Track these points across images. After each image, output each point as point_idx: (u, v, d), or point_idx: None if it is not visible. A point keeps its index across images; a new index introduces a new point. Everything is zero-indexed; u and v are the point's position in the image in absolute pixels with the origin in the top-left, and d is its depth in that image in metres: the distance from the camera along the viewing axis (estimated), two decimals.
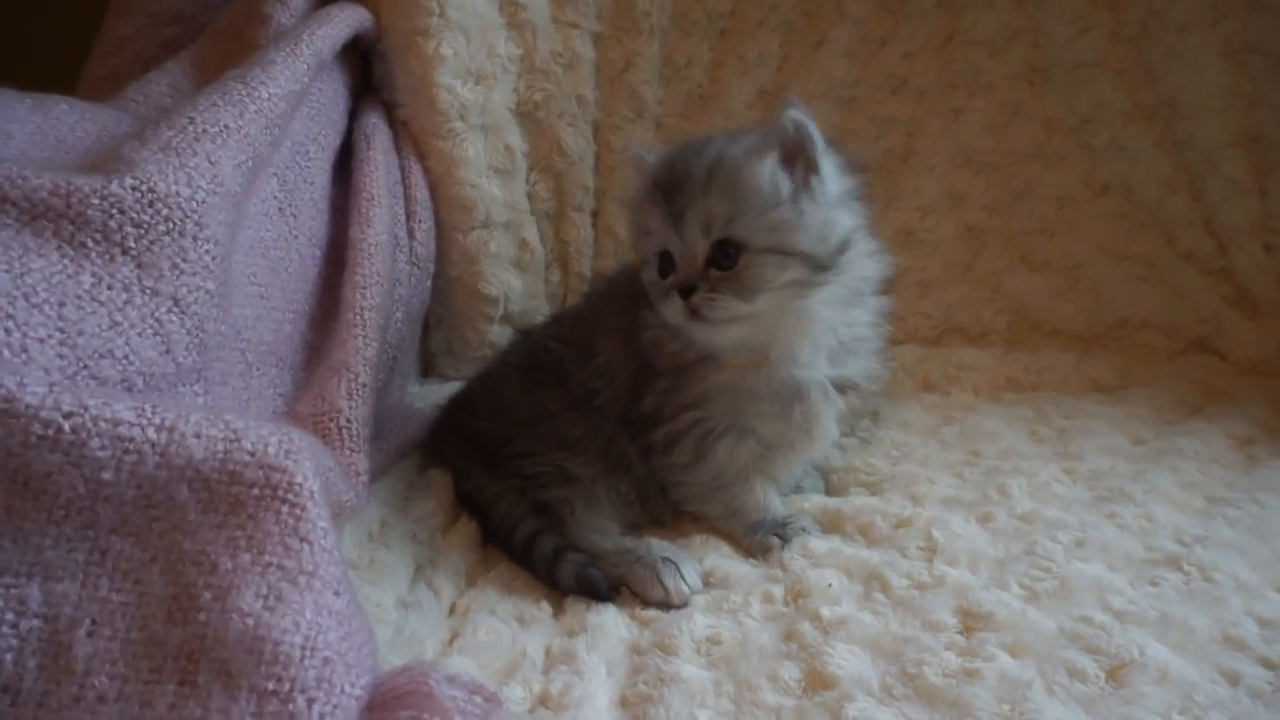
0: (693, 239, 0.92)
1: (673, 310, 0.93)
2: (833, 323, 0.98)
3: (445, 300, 1.38)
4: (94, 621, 0.63)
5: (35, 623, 0.60)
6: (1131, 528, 0.93)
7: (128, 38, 1.43)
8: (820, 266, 0.92)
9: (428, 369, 1.44)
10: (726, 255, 0.91)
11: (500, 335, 1.39)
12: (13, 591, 0.60)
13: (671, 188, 0.93)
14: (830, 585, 0.87)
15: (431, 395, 1.32)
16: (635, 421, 1.03)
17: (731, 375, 0.98)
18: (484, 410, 1.10)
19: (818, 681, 0.74)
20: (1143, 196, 1.43)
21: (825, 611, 0.82)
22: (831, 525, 1.02)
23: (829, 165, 0.94)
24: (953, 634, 0.78)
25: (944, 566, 0.88)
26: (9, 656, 0.58)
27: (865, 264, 0.98)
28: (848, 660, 0.76)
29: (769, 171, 0.91)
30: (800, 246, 0.91)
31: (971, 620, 0.79)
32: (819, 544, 0.96)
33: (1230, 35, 1.35)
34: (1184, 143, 1.40)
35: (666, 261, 0.95)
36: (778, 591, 0.88)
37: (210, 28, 1.28)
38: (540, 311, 1.43)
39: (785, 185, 0.92)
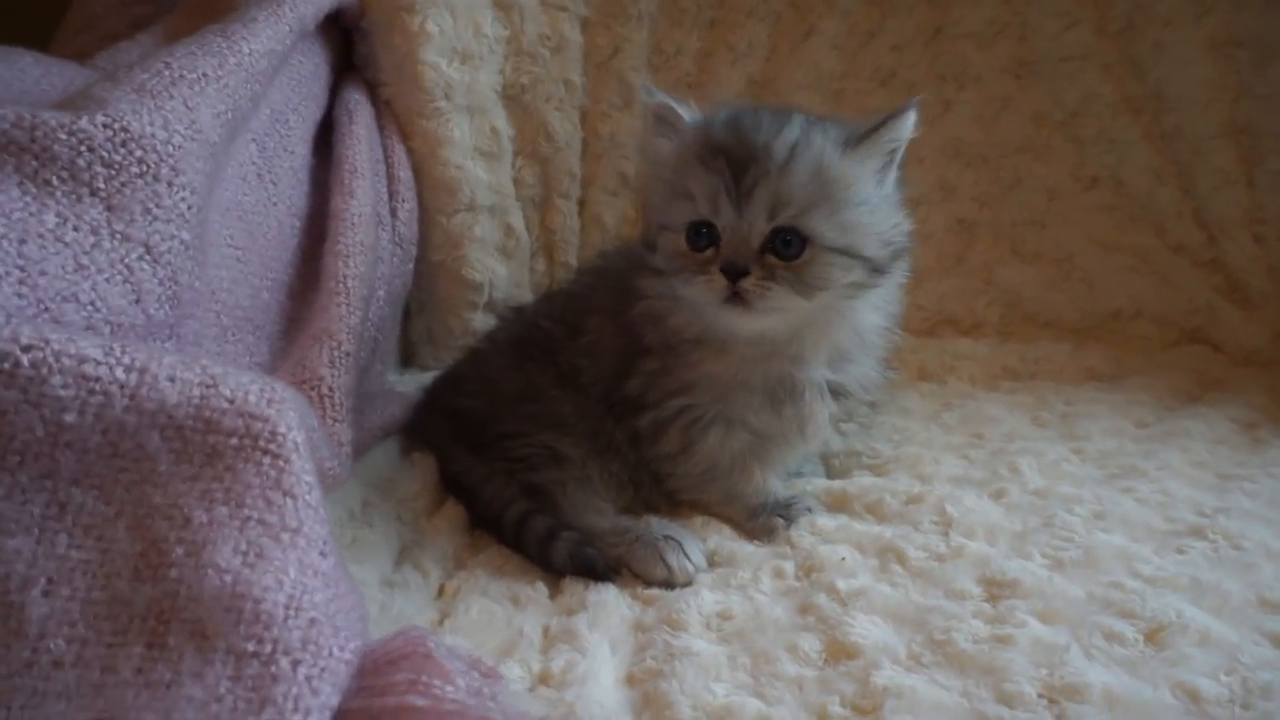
0: (754, 218, 0.83)
1: (709, 289, 0.84)
2: (859, 328, 0.93)
3: (427, 286, 1.33)
4: (50, 580, 0.56)
5: None
6: (1149, 501, 0.90)
7: (98, 16, 1.38)
8: (878, 270, 0.87)
9: (408, 358, 1.38)
10: (788, 244, 0.83)
11: (483, 323, 1.34)
12: None
13: (742, 157, 0.83)
14: (844, 559, 0.83)
15: (411, 384, 1.26)
16: (619, 404, 0.98)
17: (728, 364, 0.92)
18: (471, 387, 1.05)
19: (840, 651, 0.70)
20: (1132, 189, 1.43)
21: (841, 584, 0.78)
22: (837, 506, 0.98)
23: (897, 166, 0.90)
24: (979, 602, 0.74)
25: (961, 539, 0.84)
26: None
27: (901, 269, 0.93)
28: (870, 630, 0.71)
29: (859, 169, 0.85)
30: (868, 250, 0.86)
31: (996, 588, 0.76)
32: (827, 521, 0.92)
33: (1215, 28, 1.36)
34: (1172, 135, 1.41)
35: (704, 234, 0.86)
36: (788, 567, 0.84)
37: (185, 1, 1.23)
38: (524, 300, 1.38)
39: (870, 186, 0.86)
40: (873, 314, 0.94)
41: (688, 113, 0.92)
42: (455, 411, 1.04)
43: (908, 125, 0.86)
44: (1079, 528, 0.84)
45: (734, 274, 0.83)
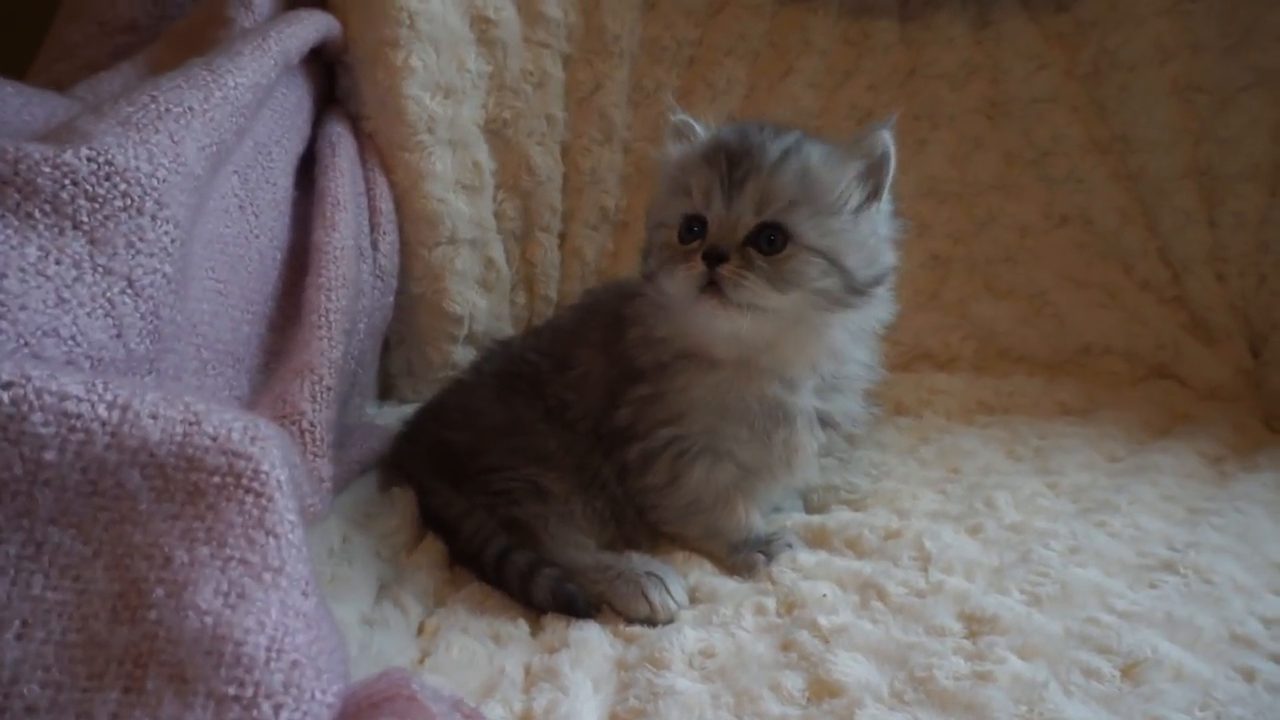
0: (741, 209, 0.86)
1: (687, 277, 0.86)
2: (835, 350, 0.95)
3: (408, 318, 1.33)
4: (24, 623, 0.55)
5: None
6: (1122, 535, 0.91)
7: (77, 44, 1.37)
8: (854, 290, 0.89)
9: (387, 391, 1.37)
10: (770, 240, 0.86)
11: (463, 356, 1.34)
12: None
13: (739, 154, 0.87)
14: (825, 595, 0.83)
15: (390, 416, 1.26)
16: (609, 437, 0.98)
17: (717, 385, 0.93)
18: (455, 418, 1.04)
19: (823, 690, 0.70)
20: (1101, 227, 1.47)
21: (823, 620, 0.78)
22: (817, 541, 0.98)
23: (888, 200, 0.93)
24: (959, 638, 0.75)
25: (940, 574, 0.85)
26: None
27: (883, 305, 0.96)
28: (852, 667, 0.72)
29: (845, 177, 0.89)
30: (847, 261, 0.88)
31: (976, 624, 0.76)
32: (807, 557, 0.93)
33: (1176, 74, 1.41)
34: (1137, 175, 1.45)
35: (694, 227, 0.89)
36: (770, 604, 0.84)
37: (169, 31, 1.24)
38: (504, 333, 1.39)
39: (855, 198, 0.89)
40: (852, 342, 0.96)
41: (703, 128, 0.97)
42: (438, 443, 1.04)
43: (883, 139, 0.90)
44: (1055, 563, 0.85)
45: (714, 259, 0.85)
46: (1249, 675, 0.68)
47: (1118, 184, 1.45)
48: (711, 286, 0.85)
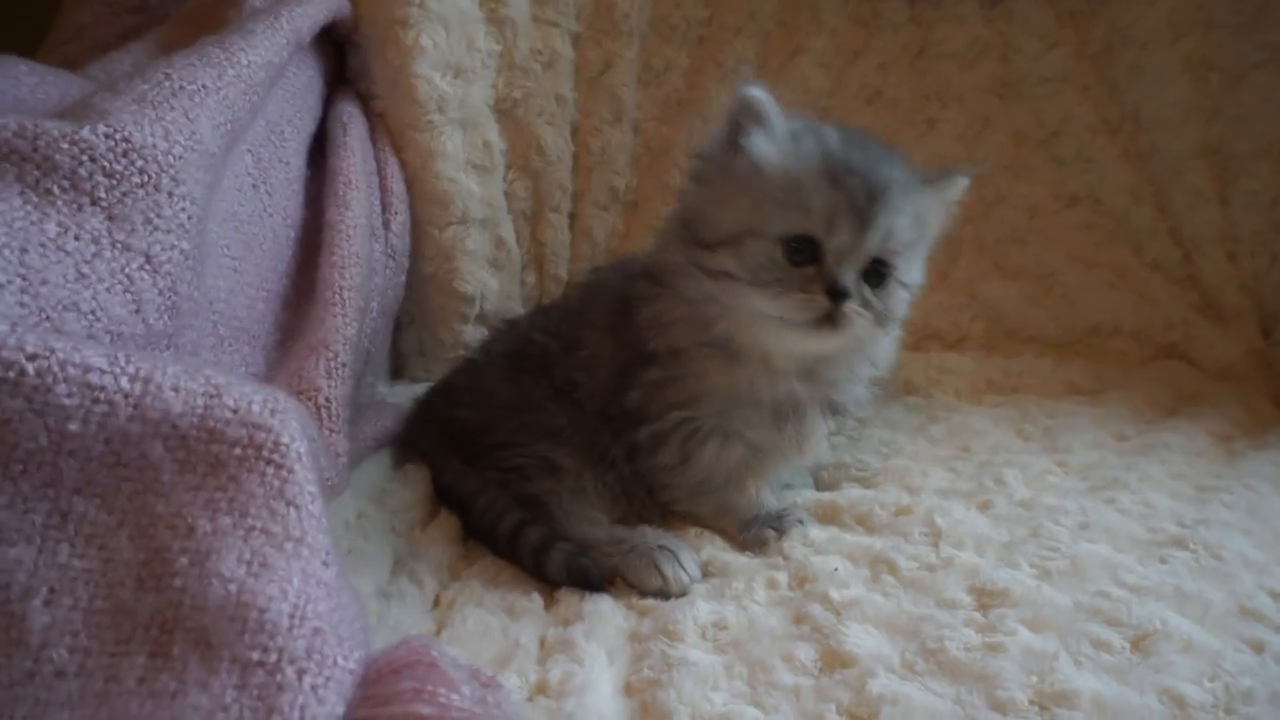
0: (868, 244, 0.83)
1: (806, 306, 0.82)
2: (877, 359, 0.97)
3: (419, 298, 1.33)
4: (52, 590, 0.56)
5: None
6: (1131, 512, 0.92)
7: (86, 26, 1.37)
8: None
9: (398, 370, 1.38)
10: (878, 273, 0.85)
11: (474, 335, 1.35)
12: None
13: (872, 185, 0.83)
14: (836, 569, 0.84)
15: (402, 395, 1.26)
16: (617, 418, 0.99)
17: (737, 378, 0.92)
18: (465, 397, 1.05)
19: (835, 660, 0.71)
20: (1110, 207, 1.46)
21: (834, 594, 0.79)
22: (827, 517, 0.99)
23: None
24: (970, 611, 0.76)
25: (950, 549, 0.85)
26: None
27: None
28: (864, 639, 0.72)
29: (940, 217, 0.92)
30: (918, 283, 0.91)
31: (987, 597, 0.77)
32: (818, 533, 0.93)
33: (1189, 52, 1.40)
34: (1148, 155, 1.44)
35: (805, 250, 0.83)
36: (781, 577, 0.85)
37: (179, 11, 1.24)
38: (515, 313, 1.39)
39: (936, 229, 0.92)
40: (890, 347, 0.99)
41: (781, 118, 0.89)
42: (449, 422, 1.04)
43: (965, 184, 0.93)
44: (1065, 538, 0.86)
45: (839, 296, 0.82)
46: (1258, 647, 0.69)
47: (1128, 163, 1.45)
48: (827, 319, 0.82)
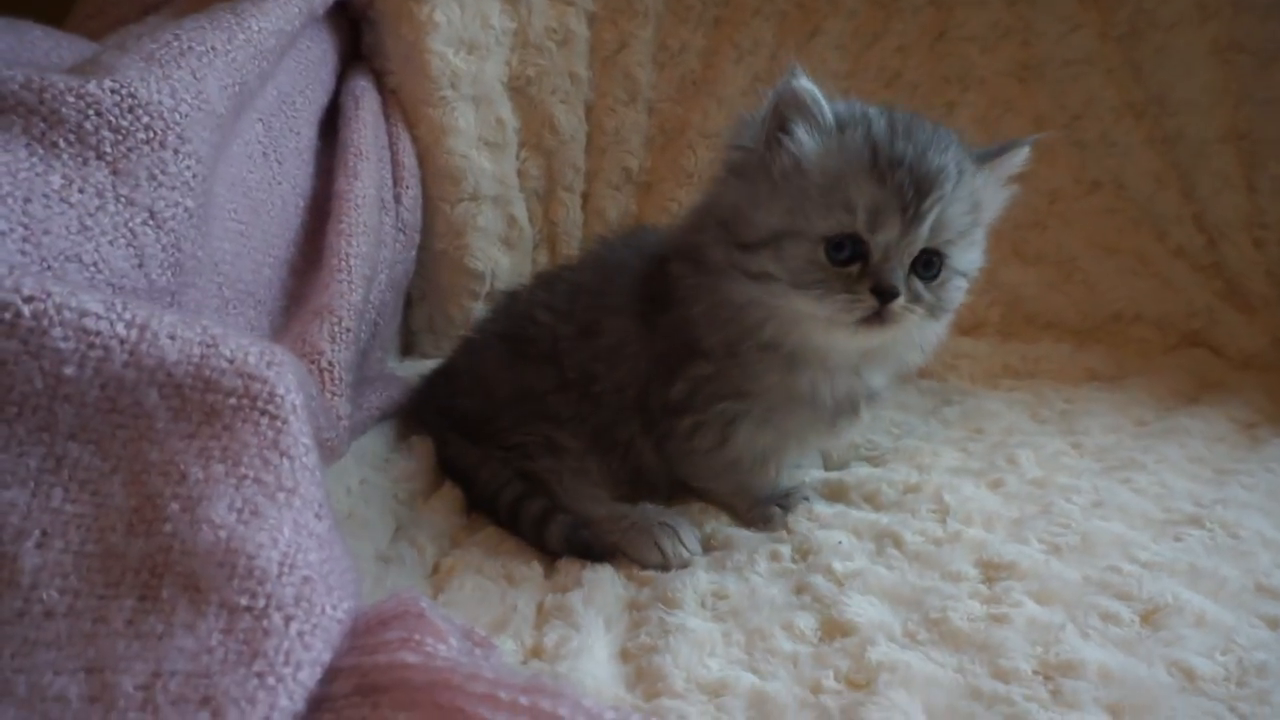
0: (916, 239, 0.79)
1: (852, 307, 0.78)
2: (925, 346, 0.93)
3: (429, 274, 1.33)
4: (44, 533, 0.56)
5: None
6: (1147, 492, 0.90)
7: (108, 2, 1.39)
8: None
9: (408, 347, 1.38)
10: (929, 265, 0.81)
11: (484, 313, 1.34)
12: None
13: (921, 176, 0.78)
14: (840, 543, 0.83)
15: (411, 370, 1.26)
16: (655, 410, 0.94)
17: (798, 381, 0.88)
18: (465, 385, 1.04)
19: (835, 629, 0.70)
20: (1133, 192, 1.44)
21: (838, 566, 0.78)
22: (835, 495, 0.98)
23: None
24: (975, 583, 0.74)
25: (958, 525, 0.84)
26: None
27: None
28: (865, 609, 0.71)
29: (999, 199, 0.87)
30: (975, 272, 0.87)
31: (993, 570, 0.75)
32: (824, 509, 0.92)
33: (1217, 33, 1.37)
34: (1173, 139, 1.41)
35: (849, 248, 0.79)
36: (785, 550, 0.84)
37: None
38: None
39: (996, 208, 0.87)
40: (939, 330, 0.93)
41: (828, 110, 0.82)
42: (449, 409, 1.03)
43: (1024, 157, 0.87)
44: (1076, 515, 0.84)
45: (886, 296, 0.78)
46: (1273, 624, 0.67)
47: (1152, 148, 1.42)
48: (875, 317, 0.79)
